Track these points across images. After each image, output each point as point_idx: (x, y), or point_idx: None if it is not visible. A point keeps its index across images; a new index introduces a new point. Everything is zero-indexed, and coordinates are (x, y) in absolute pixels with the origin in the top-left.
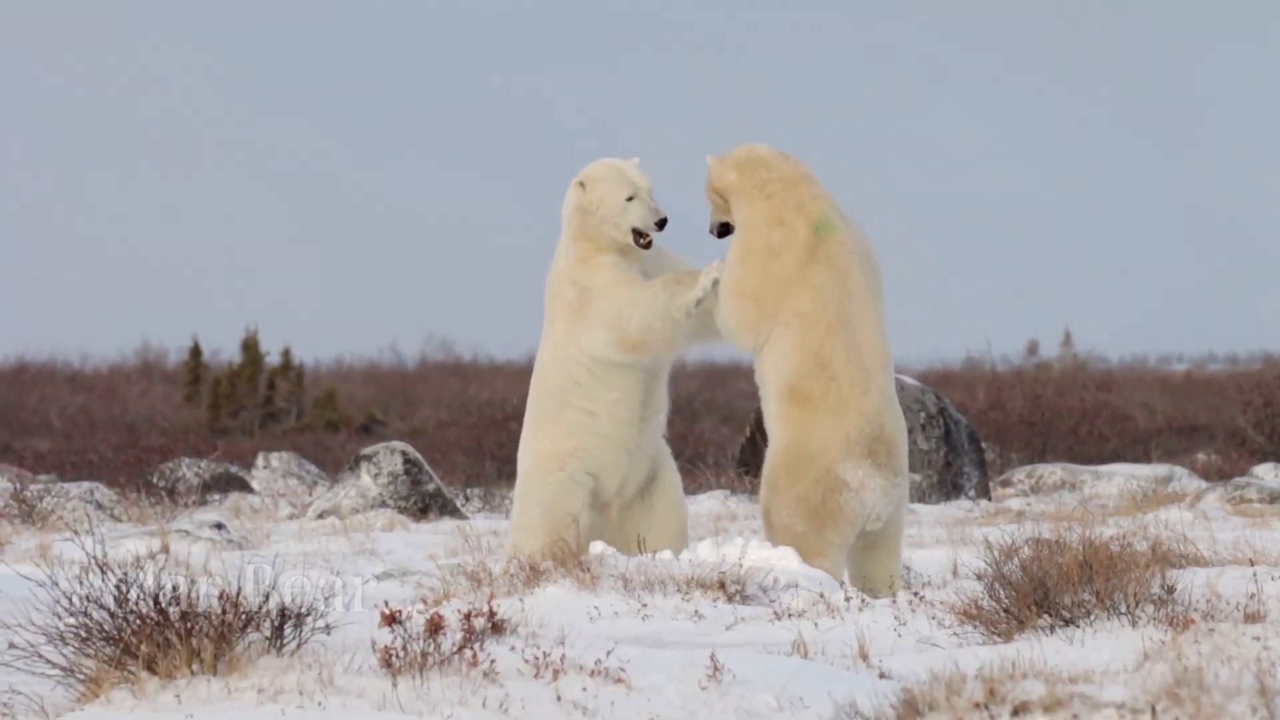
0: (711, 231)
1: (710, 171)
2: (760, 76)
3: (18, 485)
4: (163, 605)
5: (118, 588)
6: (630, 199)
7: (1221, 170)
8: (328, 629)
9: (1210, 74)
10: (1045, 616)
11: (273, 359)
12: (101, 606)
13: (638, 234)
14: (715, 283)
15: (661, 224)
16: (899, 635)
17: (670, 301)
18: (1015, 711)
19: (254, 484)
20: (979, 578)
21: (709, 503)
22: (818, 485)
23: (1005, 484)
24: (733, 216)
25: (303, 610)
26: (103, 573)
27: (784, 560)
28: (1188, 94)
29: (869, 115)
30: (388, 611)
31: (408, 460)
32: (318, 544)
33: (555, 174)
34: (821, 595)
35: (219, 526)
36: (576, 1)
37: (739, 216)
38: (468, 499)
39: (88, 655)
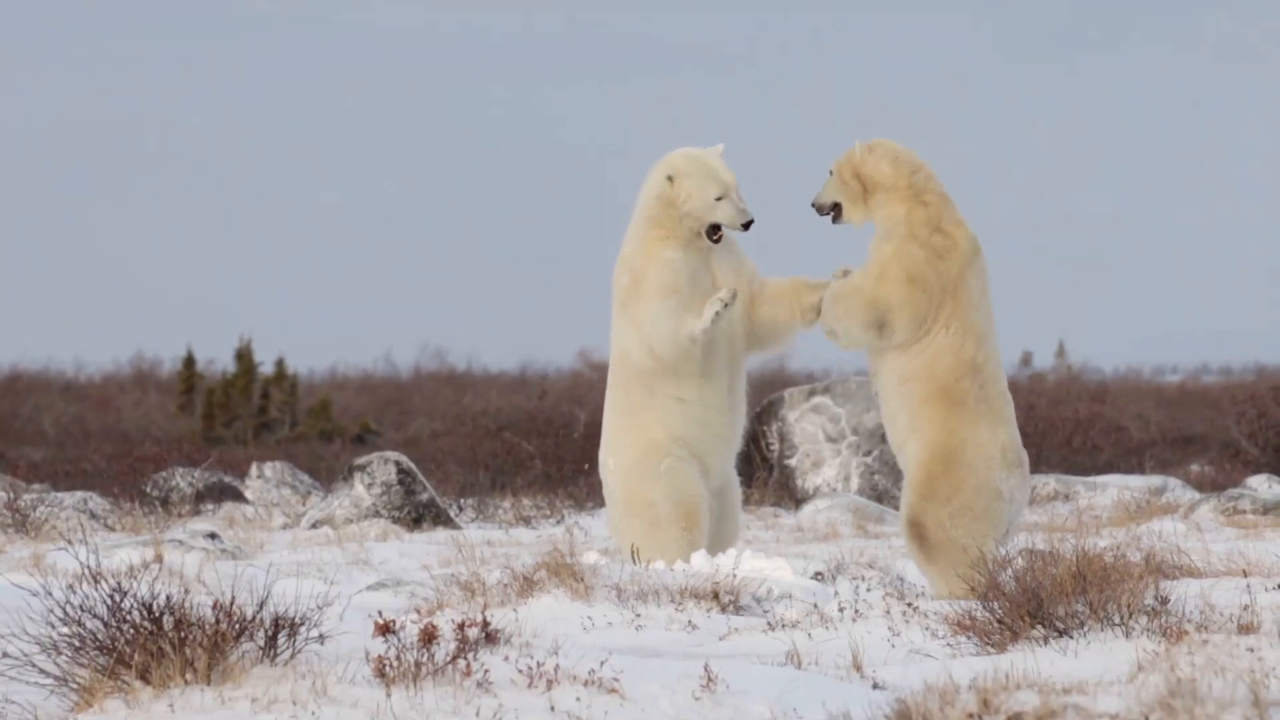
0: (818, 207)
1: (855, 155)
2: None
3: (11, 495)
4: (156, 615)
5: (111, 597)
6: (720, 199)
7: (1216, 183)
8: (321, 639)
9: (1207, 93)
10: (1039, 627)
11: (266, 368)
12: (95, 616)
13: (713, 229)
14: (717, 314)
15: (747, 225)
16: (893, 646)
17: (679, 328)
18: None
19: (248, 494)
20: (972, 588)
21: None
22: (980, 494)
23: None
24: (869, 206)
25: (296, 620)
26: (96, 582)
27: (778, 571)
28: (1184, 110)
29: (856, 122)
30: (381, 621)
31: (401, 470)
32: (311, 554)
33: (550, 186)
34: (815, 606)
35: (213, 536)
36: (577, 21)
37: (884, 211)
38: (461, 509)
39: (81, 665)
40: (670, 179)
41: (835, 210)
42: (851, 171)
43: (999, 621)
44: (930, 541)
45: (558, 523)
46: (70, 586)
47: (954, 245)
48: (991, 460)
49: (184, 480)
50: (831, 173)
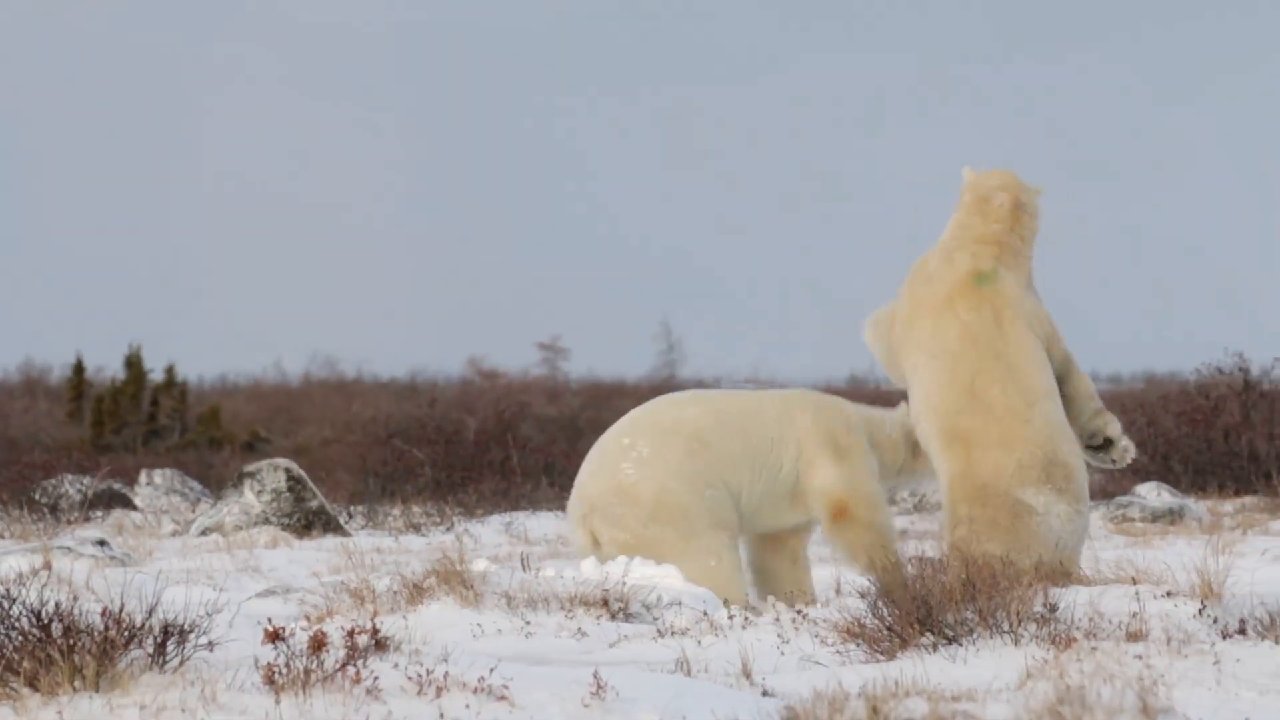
0: None
1: (968, 180)
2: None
3: None
4: (45, 622)
5: None
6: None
7: (1103, 194)
8: (211, 646)
9: (1108, 102)
10: (928, 634)
11: (156, 376)
12: None
13: None
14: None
15: None
16: (782, 653)
17: None
18: None
19: (137, 501)
20: (862, 596)
21: None
22: (1003, 510)
23: (889, 502)
24: None
25: (186, 627)
26: None
27: (667, 578)
28: (1075, 122)
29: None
30: (271, 629)
31: (291, 477)
32: (201, 561)
33: (439, 194)
34: (705, 613)
35: (102, 543)
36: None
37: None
38: (351, 516)
39: None
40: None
41: None
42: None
43: (888, 629)
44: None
45: (448, 530)
46: None
47: (950, 272)
48: (1008, 479)
49: (73, 487)
50: None
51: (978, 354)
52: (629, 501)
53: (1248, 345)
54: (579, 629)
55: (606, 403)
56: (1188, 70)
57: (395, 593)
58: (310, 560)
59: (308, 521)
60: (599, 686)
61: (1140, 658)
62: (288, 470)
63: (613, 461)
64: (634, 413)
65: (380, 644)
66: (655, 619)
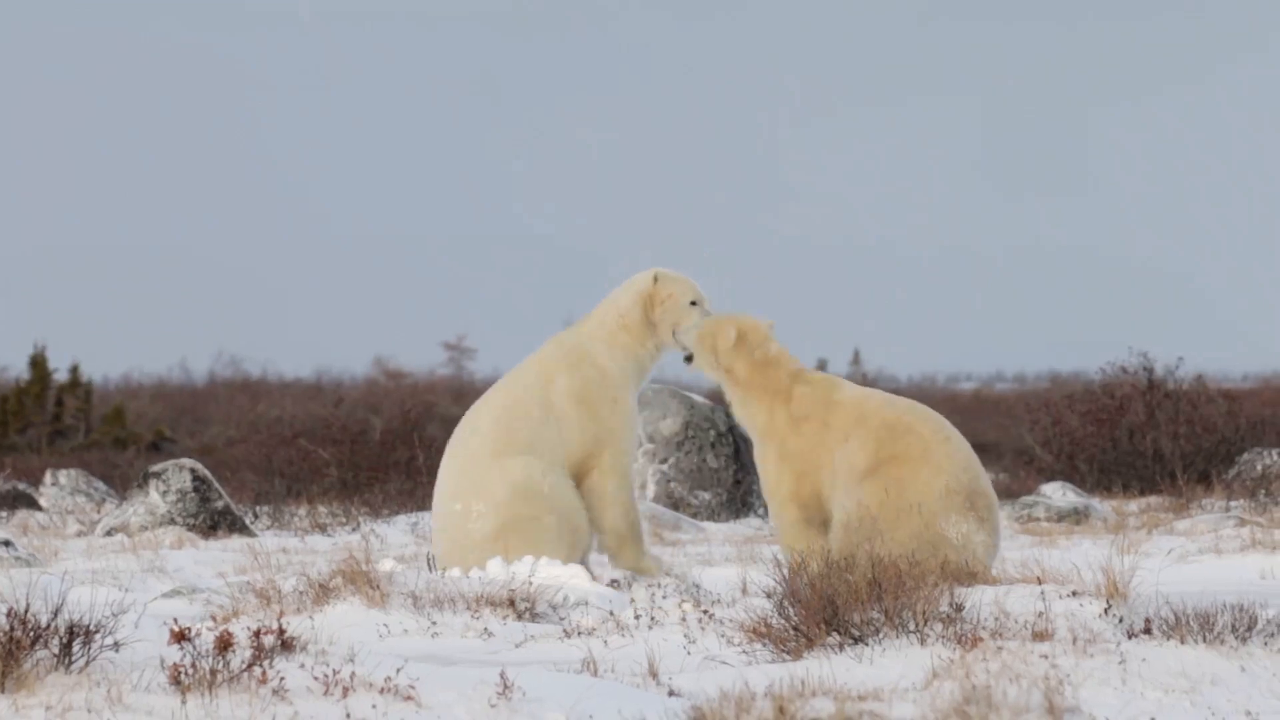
0: None
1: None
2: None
3: None
4: None
5: None
6: (694, 303)
7: (1008, 197)
8: (116, 646)
9: (1022, 111)
10: (834, 634)
11: (61, 375)
12: None
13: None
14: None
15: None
16: (688, 653)
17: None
18: None
19: (42, 501)
20: (768, 595)
21: None
22: (914, 539)
23: None
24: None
25: (91, 627)
26: None
27: (574, 579)
28: (983, 126)
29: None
30: (177, 629)
31: (197, 477)
32: (106, 561)
33: (344, 191)
34: (611, 613)
35: (6, 544)
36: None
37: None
38: (257, 516)
39: None
40: (655, 278)
41: None
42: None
43: (794, 629)
44: None
45: (354, 530)
46: None
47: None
48: (934, 504)
49: None
50: None
51: (879, 410)
52: (482, 546)
53: (1151, 344)
54: (485, 629)
55: None
56: (1105, 78)
57: (301, 593)
58: (216, 560)
59: (213, 522)
60: (506, 686)
61: (1046, 657)
62: (193, 470)
63: (457, 527)
64: (451, 474)
65: (286, 644)
66: (562, 619)
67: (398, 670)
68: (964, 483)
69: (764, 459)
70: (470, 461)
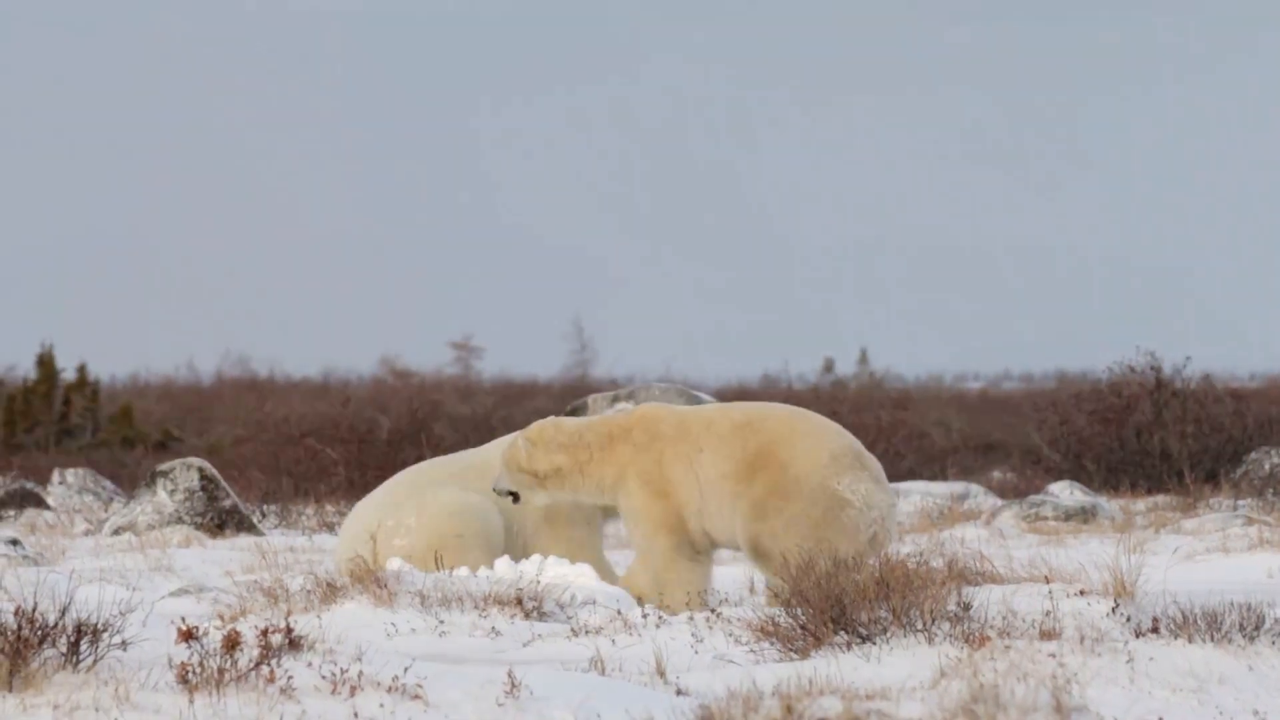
0: None
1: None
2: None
3: None
4: None
5: None
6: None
7: (1015, 196)
8: (124, 645)
9: (1015, 108)
10: (842, 633)
11: (68, 375)
12: None
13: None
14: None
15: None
16: (696, 652)
17: None
18: None
19: (50, 500)
20: (775, 595)
21: None
22: (815, 504)
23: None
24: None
25: (99, 626)
26: None
27: (581, 577)
28: (989, 125)
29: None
30: (184, 628)
31: (204, 476)
32: (114, 560)
33: (353, 193)
34: (619, 612)
35: (14, 543)
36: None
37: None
38: (265, 515)
39: None
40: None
41: None
42: None
43: (802, 627)
44: (772, 558)
45: None
46: None
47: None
48: (823, 470)
49: None
50: None
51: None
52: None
53: (1159, 344)
54: (493, 628)
55: (519, 402)
56: (1118, 75)
57: (309, 592)
58: (223, 559)
59: (221, 521)
60: (513, 685)
61: (1054, 656)
62: (201, 469)
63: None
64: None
65: (294, 643)
66: (569, 618)
67: (405, 669)
68: (846, 444)
69: (627, 499)
70: None
